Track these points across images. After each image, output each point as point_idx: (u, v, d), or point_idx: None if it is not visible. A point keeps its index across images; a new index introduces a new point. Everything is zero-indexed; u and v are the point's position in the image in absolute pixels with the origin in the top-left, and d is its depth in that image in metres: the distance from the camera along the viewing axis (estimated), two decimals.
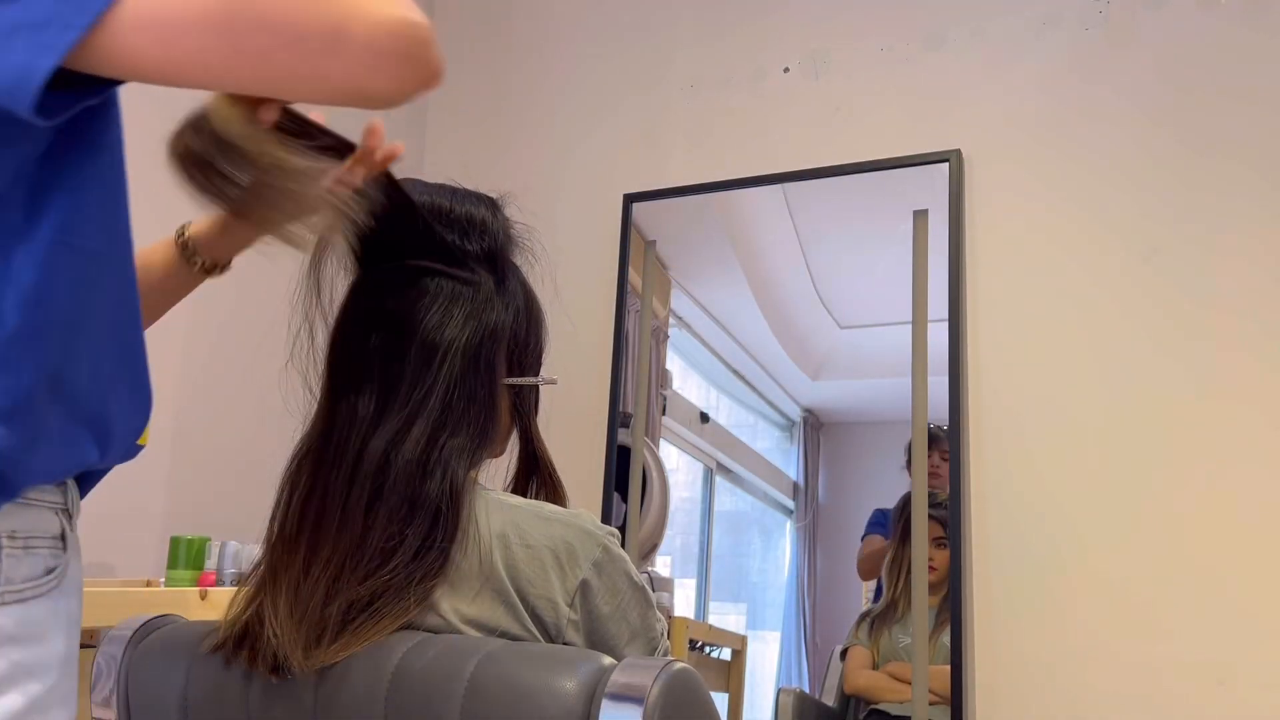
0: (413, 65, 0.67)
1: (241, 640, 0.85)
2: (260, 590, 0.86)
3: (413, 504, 0.84)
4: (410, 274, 0.92)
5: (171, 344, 1.91)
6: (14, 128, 0.63)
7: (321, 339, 0.93)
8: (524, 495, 0.98)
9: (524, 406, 0.98)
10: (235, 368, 2.00)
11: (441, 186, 0.97)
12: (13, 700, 0.64)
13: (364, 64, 0.65)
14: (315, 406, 0.92)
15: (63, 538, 0.71)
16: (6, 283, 0.65)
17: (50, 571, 0.68)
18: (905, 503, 1.90)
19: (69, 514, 0.73)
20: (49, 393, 0.67)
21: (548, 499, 0.98)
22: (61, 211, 0.67)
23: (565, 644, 0.85)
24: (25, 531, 0.67)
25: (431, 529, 0.84)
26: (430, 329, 0.90)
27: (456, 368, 0.89)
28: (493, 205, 0.98)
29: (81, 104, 0.65)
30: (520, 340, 0.97)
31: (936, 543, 1.85)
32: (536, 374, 0.99)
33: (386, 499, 0.84)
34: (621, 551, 0.89)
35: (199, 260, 0.93)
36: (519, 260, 1.00)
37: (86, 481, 0.79)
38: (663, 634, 0.92)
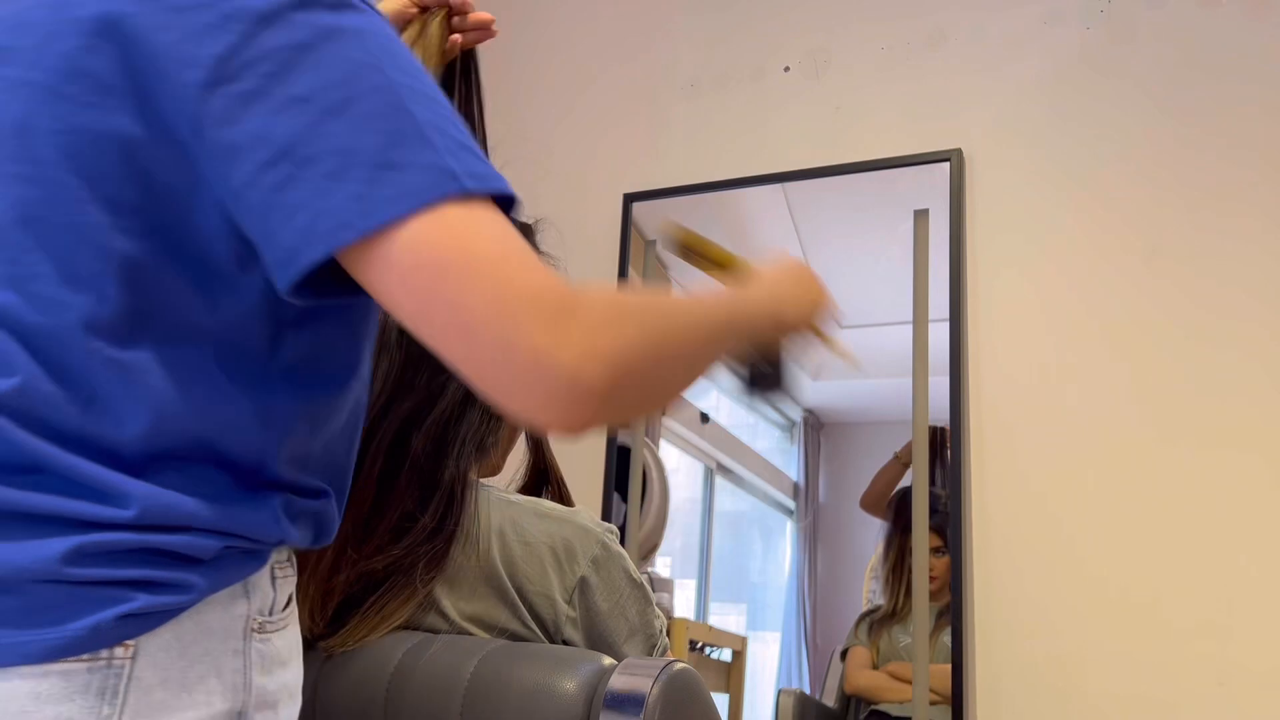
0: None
1: None
2: None
3: (429, 484, 0.85)
4: None
5: None
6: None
7: None
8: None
9: None
10: None
11: None
12: (287, 716, 0.67)
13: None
14: None
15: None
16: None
17: (290, 599, 0.70)
18: (903, 496, 1.90)
19: None
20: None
21: None
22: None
23: (564, 641, 0.84)
24: (284, 561, 0.69)
25: (445, 512, 0.84)
26: None
27: None
28: (526, 230, 1.01)
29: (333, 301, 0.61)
30: None
31: (935, 552, 1.85)
32: None
33: (405, 475, 0.85)
34: (620, 548, 0.89)
35: None
36: None
37: None
38: (661, 631, 0.92)
